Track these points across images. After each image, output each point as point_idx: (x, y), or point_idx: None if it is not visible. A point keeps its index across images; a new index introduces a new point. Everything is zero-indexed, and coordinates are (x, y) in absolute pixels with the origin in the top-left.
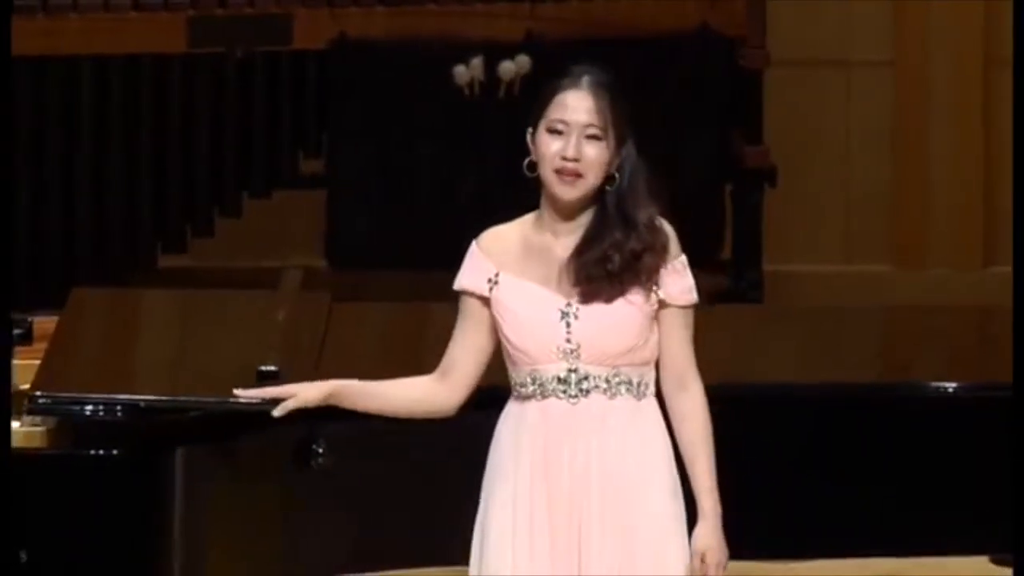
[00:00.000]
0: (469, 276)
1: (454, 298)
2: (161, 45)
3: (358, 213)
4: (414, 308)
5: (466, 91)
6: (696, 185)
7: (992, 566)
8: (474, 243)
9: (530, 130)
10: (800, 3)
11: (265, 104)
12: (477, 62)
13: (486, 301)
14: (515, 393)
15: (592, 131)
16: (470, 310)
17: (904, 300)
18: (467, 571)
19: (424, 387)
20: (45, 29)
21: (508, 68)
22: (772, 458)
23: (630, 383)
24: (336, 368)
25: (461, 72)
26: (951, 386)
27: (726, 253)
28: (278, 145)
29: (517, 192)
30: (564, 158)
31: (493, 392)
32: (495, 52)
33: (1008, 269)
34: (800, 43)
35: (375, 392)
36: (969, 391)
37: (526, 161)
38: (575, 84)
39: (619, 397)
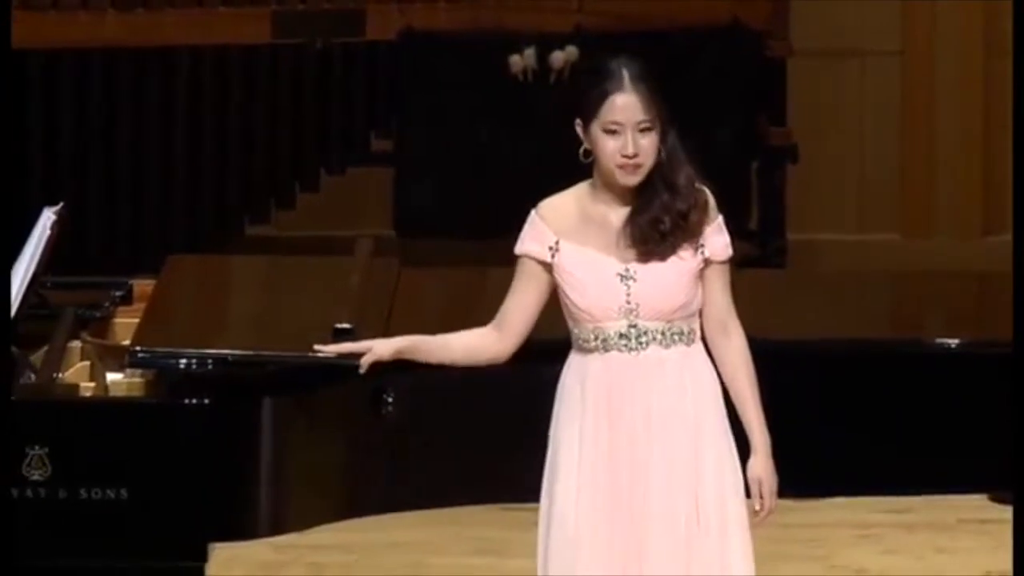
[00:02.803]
0: (530, 242)
1: (509, 264)
2: (248, 36)
3: (423, 187)
4: (473, 273)
5: (520, 78)
6: (726, 162)
7: (991, 503)
8: (533, 212)
9: (579, 121)
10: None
11: (341, 90)
12: (530, 52)
13: (545, 265)
14: (577, 346)
15: (644, 125)
16: (528, 271)
17: (912, 266)
18: (515, 509)
19: (481, 337)
20: (145, 23)
21: (558, 57)
22: (794, 407)
23: (682, 333)
24: (404, 325)
25: (516, 61)
26: (953, 342)
27: (753, 223)
28: (352, 126)
29: (565, 168)
30: (625, 156)
31: (539, 345)
32: (546, 43)
33: (1006, 238)
34: (819, 35)
35: (439, 344)
36: (969, 347)
37: (581, 149)
38: (620, 86)
39: (673, 346)
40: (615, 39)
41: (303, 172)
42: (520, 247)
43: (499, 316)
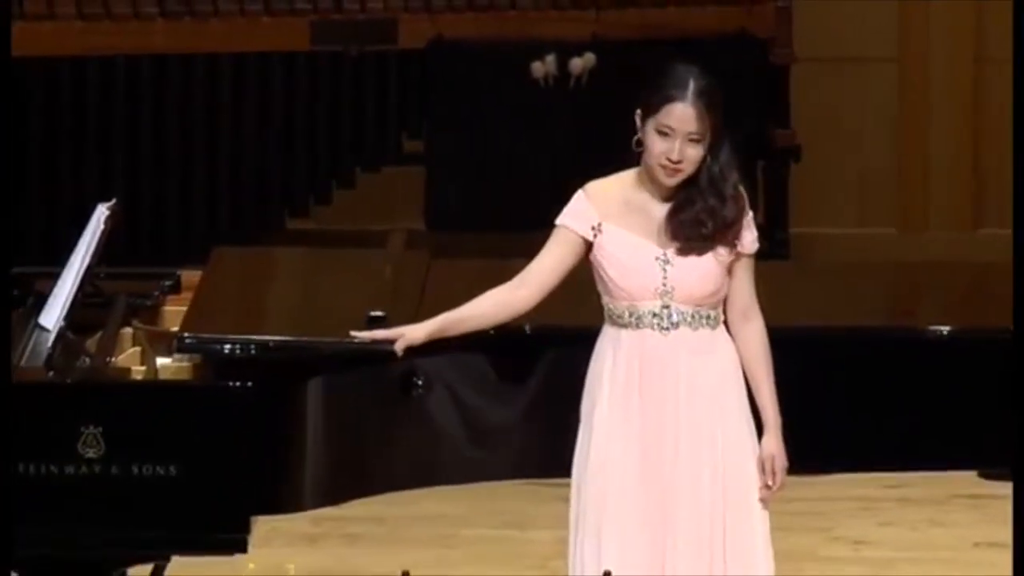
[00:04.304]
0: (574, 217)
1: (532, 255)
2: (288, 44)
3: (451, 185)
4: (498, 264)
5: (541, 83)
6: (742, 166)
7: (981, 479)
8: (581, 191)
9: (639, 112)
10: (822, 10)
11: (375, 94)
12: (551, 58)
13: (583, 240)
14: (610, 320)
15: (694, 136)
16: (565, 240)
17: (907, 258)
18: (539, 484)
19: (504, 297)
20: (191, 31)
21: (577, 64)
22: (797, 389)
23: (708, 317)
24: (433, 313)
25: (537, 67)
26: (946, 329)
27: (759, 218)
28: (385, 128)
29: (584, 167)
30: (669, 159)
31: (549, 331)
32: (566, 50)
33: (994, 231)
34: (821, 44)
35: (466, 316)
36: (961, 334)
37: (635, 139)
38: (683, 96)
39: (700, 328)
40: (630, 47)
41: (340, 170)
42: (563, 219)
43: (524, 274)
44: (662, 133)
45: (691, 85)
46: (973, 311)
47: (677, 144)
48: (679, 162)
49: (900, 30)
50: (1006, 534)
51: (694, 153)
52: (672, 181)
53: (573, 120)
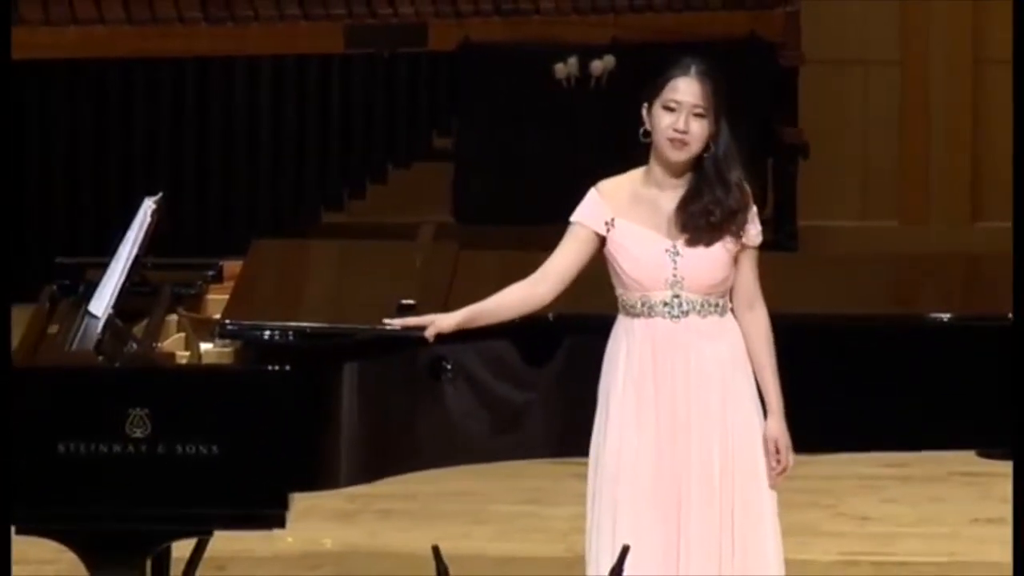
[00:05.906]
0: (588, 214)
1: (552, 247)
2: (324, 47)
3: (479, 180)
4: (522, 256)
5: (564, 84)
6: (745, 158)
7: (978, 458)
8: (594, 188)
9: (645, 105)
10: (825, 14)
11: (406, 94)
12: (573, 61)
13: (597, 235)
14: (624, 310)
15: (698, 110)
16: (581, 236)
17: (909, 250)
18: (563, 462)
19: (526, 292)
20: (233, 35)
21: (597, 66)
22: (805, 373)
23: (716, 305)
24: (461, 302)
25: (560, 69)
26: (945, 316)
27: (768, 212)
28: (416, 126)
29: (604, 163)
30: (676, 130)
31: (571, 320)
32: (587, 53)
33: (991, 224)
34: (828, 46)
35: (491, 308)
36: (959, 321)
37: (641, 130)
38: (686, 72)
39: (709, 316)
40: (647, 50)
41: (373, 166)
42: (577, 215)
43: (543, 269)
44: (668, 108)
45: (693, 66)
46: (972, 300)
47: (683, 116)
48: (685, 132)
49: (901, 32)
50: (1003, 510)
51: (699, 127)
52: (680, 155)
53: (593, 119)
